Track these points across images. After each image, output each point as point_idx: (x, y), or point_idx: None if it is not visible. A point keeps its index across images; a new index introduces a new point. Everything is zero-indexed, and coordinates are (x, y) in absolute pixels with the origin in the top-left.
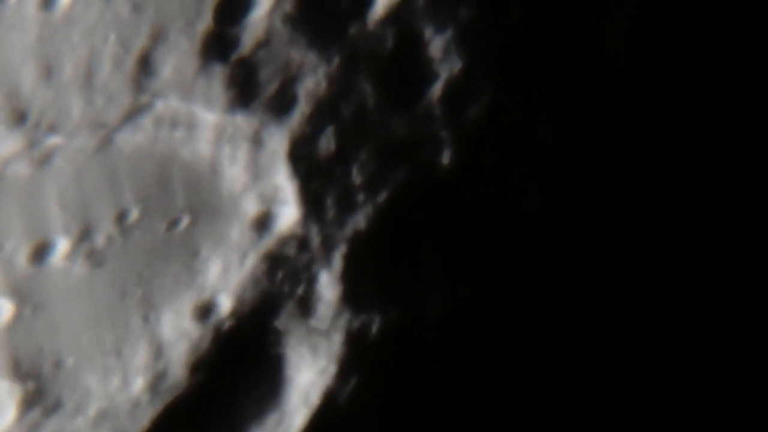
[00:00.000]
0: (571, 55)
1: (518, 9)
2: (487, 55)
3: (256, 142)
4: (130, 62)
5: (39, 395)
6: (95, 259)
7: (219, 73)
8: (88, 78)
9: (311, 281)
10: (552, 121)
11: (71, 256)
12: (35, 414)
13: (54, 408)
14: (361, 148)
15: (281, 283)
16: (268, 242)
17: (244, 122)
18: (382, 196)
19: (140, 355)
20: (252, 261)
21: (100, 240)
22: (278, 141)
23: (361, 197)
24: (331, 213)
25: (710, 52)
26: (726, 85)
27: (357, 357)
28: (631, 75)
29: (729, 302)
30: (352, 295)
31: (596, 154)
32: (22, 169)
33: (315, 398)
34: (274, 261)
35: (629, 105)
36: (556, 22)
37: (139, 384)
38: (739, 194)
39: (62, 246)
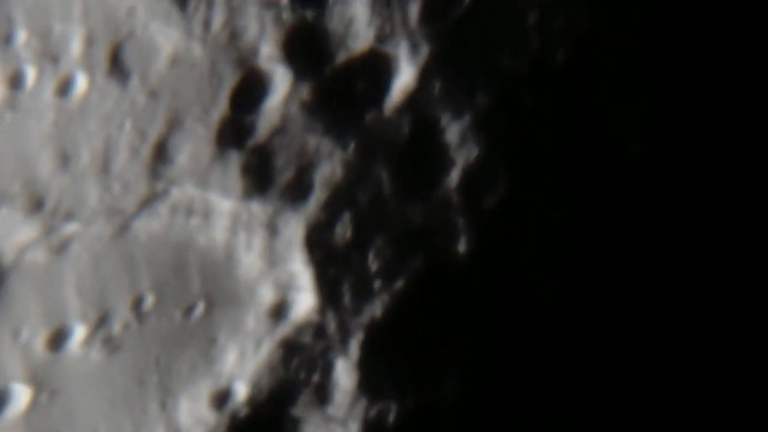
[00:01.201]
0: (585, 141)
1: (532, 96)
2: (503, 141)
3: (272, 229)
4: (146, 150)
5: None
6: (112, 345)
7: (235, 160)
8: (104, 165)
9: (328, 369)
10: (567, 207)
11: (88, 342)
12: None
13: None
14: (377, 235)
15: (297, 371)
16: (284, 329)
17: (259, 209)
18: (399, 284)
19: None
20: (268, 348)
21: (116, 326)
22: (294, 228)
23: (377, 284)
24: (347, 300)
25: (725, 133)
26: (742, 167)
27: None
28: (645, 159)
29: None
30: (369, 383)
31: (610, 239)
32: (39, 256)
33: None
34: (290, 348)
35: (643, 188)
36: (570, 108)
37: None
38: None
39: (79, 332)
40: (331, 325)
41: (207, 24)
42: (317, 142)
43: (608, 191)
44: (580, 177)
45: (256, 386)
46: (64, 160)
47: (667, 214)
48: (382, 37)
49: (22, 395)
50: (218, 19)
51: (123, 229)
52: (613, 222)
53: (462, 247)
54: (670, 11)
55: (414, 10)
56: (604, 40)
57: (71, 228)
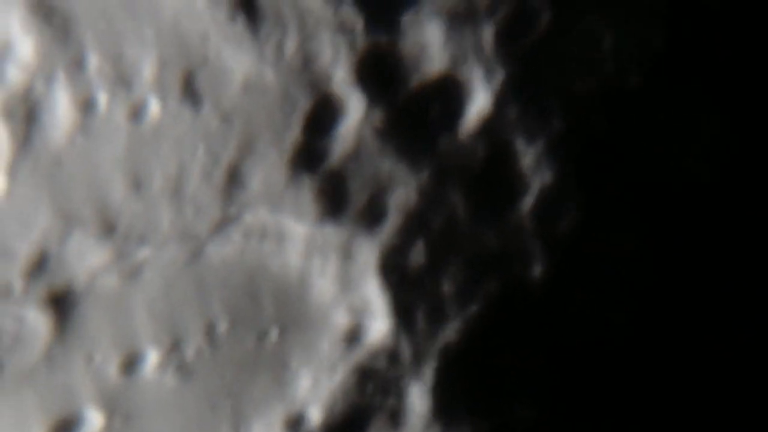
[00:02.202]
0: (658, 168)
1: (606, 120)
2: (577, 166)
3: (346, 254)
4: (219, 174)
5: None
6: (185, 370)
7: (308, 185)
8: (177, 190)
9: (402, 394)
10: (640, 232)
11: (161, 367)
12: None
13: None
14: (451, 260)
15: (371, 396)
16: (359, 355)
17: (333, 234)
18: (473, 308)
19: None
20: (342, 373)
21: (189, 352)
22: (368, 253)
23: (451, 309)
24: (421, 325)
25: None
26: None
27: None
28: (716, 188)
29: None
30: (443, 408)
31: (682, 266)
32: (111, 280)
33: None
34: (364, 373)
35: (714, 216)
36: (644, 132)
37: None
38: None
39: (152, 357)
40: (405, 350)
41: (280, 49)
42: (391, 166)
43: (679, 218)
44: (653, 206)
45: (329, 411)
46: (137, 184)
47: (739, 242)
48: (456, 62)
49: (95, 420)
50: (291, 44)
51: (196, 253)
52: (684, 249)
53: (536, 271)
54: (746, 39)
55: (488, 35)
56: (678, 64)
57: (144, 253)
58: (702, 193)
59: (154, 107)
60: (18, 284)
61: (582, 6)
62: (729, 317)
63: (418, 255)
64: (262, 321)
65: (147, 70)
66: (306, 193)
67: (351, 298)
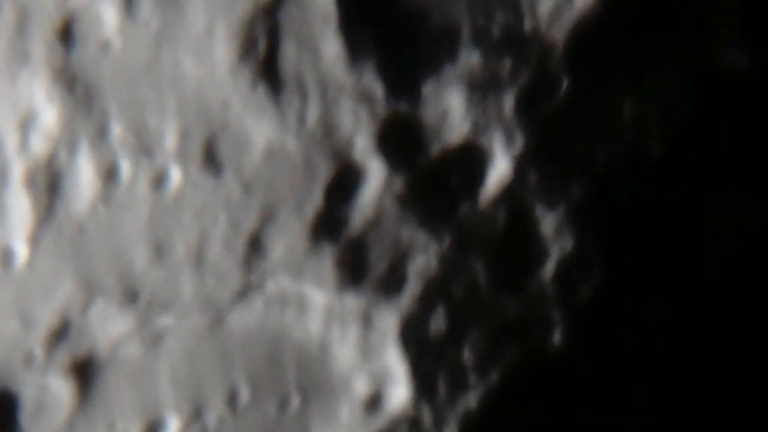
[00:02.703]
0: (681, 237)
1: (628, 188)
2: (598, 233)
3: (366, 321)
4: (241, 242)
5: None
6: None
7: (329, 253)
8: (198, 258)
9: None
10: (664, 301)
11: None
12: None
13: None
14: (472, 328)
15: None
16: (379, 422)
17: (354, 302)
18: (494, 376)
19: None
20: None
21: (211, 420)
22: (388, 321)
23: (472, 377)
24: (442, 393)
25: None
26: None
27: None
28: (741, 256)
29: None
30: None
31: (708, 336)
32: (133, 348)
33: None
34: None
35: (740, 284)
36: (666, 200)
37: None
38: None
39: (174, 425)
40: (426, 418)
41: (301, 117)
42: (412, 234)
43: (701, 286)
44: (677, 273)
45: None
46: (159, 252)
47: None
48: (477, 129)
49: None
50: (313, 113)
51: (217, 321)
52: (707, 318)
53: (557, 339)
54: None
55: (509, 102)
56: (702, 133)
57: (166, 321)
58: (726, 262)
59: (175, 176)
60: (40, 352)
61: (603, 73)
62: (753, 386)
63: (438, 322)
64: (283, 389)
65: (169, 139)
66: (327, 261)
67: (371, 366)
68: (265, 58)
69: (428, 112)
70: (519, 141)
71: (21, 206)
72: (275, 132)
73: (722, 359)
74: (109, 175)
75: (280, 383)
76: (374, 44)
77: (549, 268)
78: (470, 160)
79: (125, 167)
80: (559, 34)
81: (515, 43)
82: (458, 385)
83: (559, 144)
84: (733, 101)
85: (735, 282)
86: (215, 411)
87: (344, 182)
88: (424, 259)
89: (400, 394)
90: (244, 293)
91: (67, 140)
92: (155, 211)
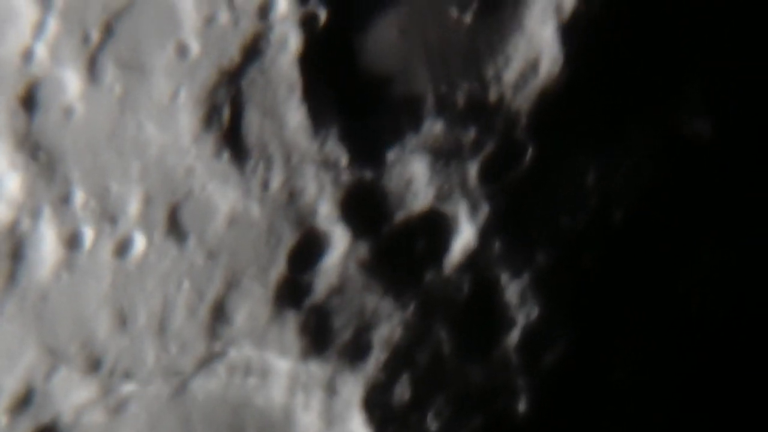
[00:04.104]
0: (647, 301)
1: (592, 254)
2: (564, 301)
3: (330, 389)
4: (204, 310)
5: None
6: None
7: (292, 320)
8: (162, 325)
9: None
10: (629, 365)
11: None
12: None
13: None
14: (436, 396)
15: None
16: None
17: (317, 369)
18: None
19: None
20: None
21: None
22: (352, 389)
23: None
24: None
25: None
26: None
27: None
28: (709, 316)
29: None
30: None
31: (675, 399)
32: (97, 416)
33: None
34: None
35: (708, 346)
36: (631, 266)
37: None
38: None
39: None
40: None
41: (265, 184)
42: (376, 301)
43: (670, 349)
44: (641, 335)
45: None
46: (122, 320)
47: (735, 370)
48: (441, 197)
49: None
50: (276, 179)
51: (181, 389)
52: (676, 381)
53: (522, 406)
54: (734, 173)
55: (473, 170)
56: (665, 198)
57: (129, 388)
58: (693, 323)
59: (139, 243)
60: (4, 419)
61: (567, 142)
62: None
63: (403, 391)
64: None
65: (132, 205)
66: (290, 329)
67: None
68: (229, 125)
69: (392, 180)
70: (483, 209)
71: None
72: (239, 199)
73: (692, 421)
74: (72, 241)
75: None
76: (338, 112)
77: (514, 336)
78: (434, 227)
79: (88, 234)
80: (524, 102)
81: (480, 112)
82: None
83: (524, 212)
84: (696, 168)
85: (703, 341)
86: None
87: (308, 249)
88: (389, 326)
89: None
90: (207, 360)
91: (30, 207)
92: (119, 278)
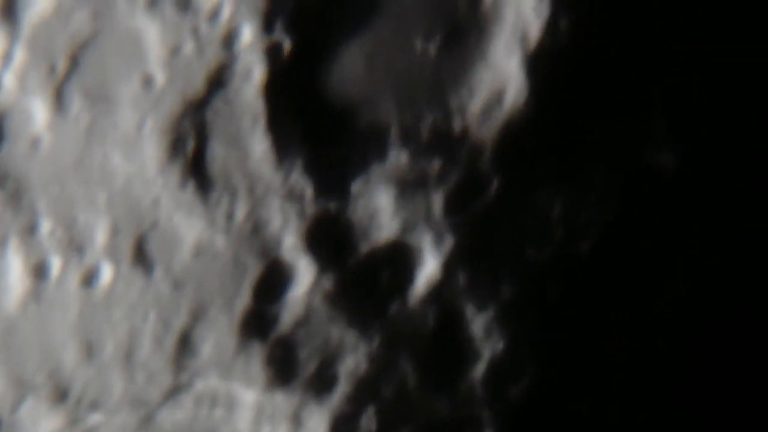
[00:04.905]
0: (613, 335)
1: (559, 286)
2: (529, 333)
3: (296, 421)
4: (170, 340)
5: None
6: None
7: (258, 352)
8: (128, 356)
9: None
10: (597, 398)
11: None
12: None
13: None
14: (402, 428)
15: None
16: None
17: (283, 401)
18: None
19: None
20: None
21: None
22: (318, 421)
23: None
24: None
25: None
26: None
27: None
28: (674, 354)
29: None
30: None
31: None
32: None
33: None
34: None
35: (673, 386)
36: (597, 301)
37: None
38: None
39: None
40: None
41: (230, 215)
42: (341, 333)
43: (634, 385)
44: (607, 370)
45: None
46: (89, 350)
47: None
48: (406, 228)
49: None
50: (241, 211)
51: (147, 420)
52: (642, 416)
53: None
54: (701, 207)
55: (438, 202)
56: (631, 230)
57: (95, 419)
58: (660, 360)
59: (106, 273)
60: None
61: (533, 173)
62: None
63: (368, 423)
64: None
65: (99, 236)
66: (256, 360)
67: None
68: (193, 155)
69: (357, 211)
70: (448, 241)
71: None
72: (204, 230)
73: None
74: (39, 271)
75: None
76: (302, 142)
77: (479, 369)
78: (399, 259)
79: (55, 264)
80: (488, 133)
81: (444, 143)
82: None
83: (489, 244)
84: (662, 199)
85: (670, 374)
86: None
87: (273, 280)
88: (354, 358)
89: None
90: (173, 391)
91: None
92: (85, 309)
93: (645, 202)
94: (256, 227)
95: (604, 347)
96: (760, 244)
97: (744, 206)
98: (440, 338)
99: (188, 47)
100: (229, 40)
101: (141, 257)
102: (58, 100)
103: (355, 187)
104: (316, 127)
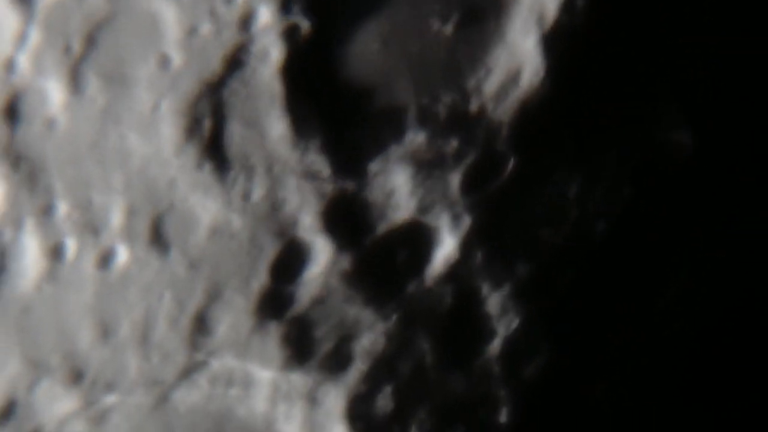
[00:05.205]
0: (626, 313)
1: (574, 266)
2: (544, 312)
3: (312, 400)
4: (186, 321)
5: None
6: None
7: (274, 331)
8: (144, 336)
9: None
10: (610, 378)
11: None
12: None
13: None
14: (419, 407)
15: None
16: None
17: (299, 380)
18: None
19: None
20: None
21: None
22: (334, 399)
23: None
24: None
25: None
26: None
27: None
28: (689, 333)
29: None
30: None
31: (654, 412)
32: (79, 427)
33: None
34: None
35: (684, 370)
36: (610, 282)
37: None
38: None
39: None
40: None
41: (247, 195)
42: (358, 312)
43: (650, 363)
44: (623, 349)
45: None
46: (104, 331)
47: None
48: (423, 208)
49: None
50: (258, 191)
51: (162, 399)
52: (654, 397)
53: (503, 417)
54: (713, 191)
55: (455, 181)
56: (646, 210)
57: (111, 399)
58: (675, 338)
59: (121, 254)
60: None
61: (548, 153)
62: None
63: (385, 401)
64: None
65: (115, 217)
66: (272, 340)
67: None
68: (210, 136)
69: (374, 191)
70: (465, 220)
71: None
72: (221, 210)
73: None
74: (55, 253)
75: None
76: (320, 123)
77: (495, 346)
78: (416, 238)
79: (71, 245)
80: (505, 114)
81: (461, 123)
82: None
83: (505, 223)
84: (678, 179)
85: (683, 355)
86: None
87: (290, 260)
88: (371, 337)
89: None
90: (189, 371)
91: (12, 218)
92: (101, 290)
93: (660, 181)
94: (273, 207)
95: (617, 327)
96: (766, 237)
97: (750, 199)
98: (456, 316)
99: (205, 28)
100: (247, 21)
101: (157, 238)
102: (74, 81)
103: (373, 167)
104: (333, 107)
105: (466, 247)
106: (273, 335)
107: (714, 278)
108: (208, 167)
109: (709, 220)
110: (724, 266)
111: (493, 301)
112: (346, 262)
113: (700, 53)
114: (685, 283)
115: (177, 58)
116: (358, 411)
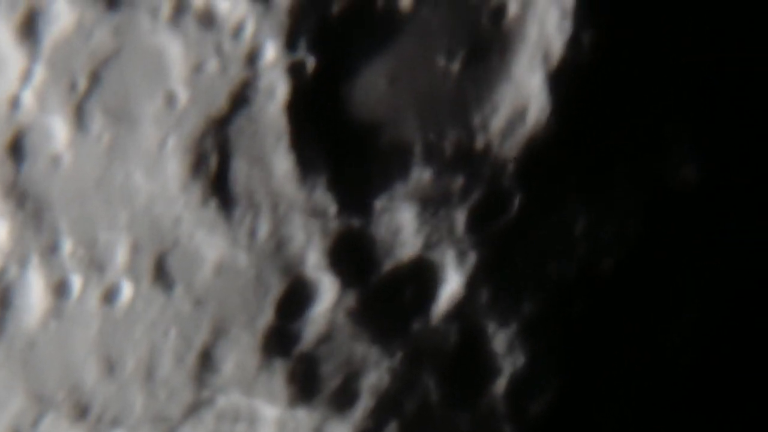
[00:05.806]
0: (634, 352)
1: (580, 304)
2: (551, 350)
3: None
4: (192, 357)
5: None
6: None
7: (281, 368)
8: (149, 373)
9: None
10: (618, 415)
11: None
12: None
13: None
14: None
15: None
16: None
17: (306, 417)
18: None
19: None
20: None
21: None
22: None
23: None
24: None
25: None
26: None
27: None
28: (696, 367)
29: None
30: None
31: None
32: None
33: None
34: None
35: (695, 398)
36: (619, 318)
37: None
38: None
39: None
40: None
41: (253, 233)
42: (364, 350)
43: (658, 400)
44: (630, 386)
45: None
46: (110, 367)
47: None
48: (429, 246)
49: None
50: (264, 228)
51: None
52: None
53: None
54: (721, 225)
55: (461, 219)
56: (653, 247)
57: None
58: (684, 375)
59: (126, 291)
60: None
61: (555, 190)
62: None
63: None
64: None
65: (120, 254)
66: (278, 377)
67: None
68: (216, 173)
69: (380, 228)
70: (471, 258)
71: None
72: (226, 247)
73: None
74: (60, 289)
75: None
76: (326, 160)
77: (501, 385)
78: (422, 276)
79: (76, 282)
80: (511, 150)
81: (467, 160)
82: None
83: (512, 260)
84: (684, 215)
85: (692, 392)
86: None
87: (296, 297)
88: (377, 374)
89: None
90: (195, 408)
91: (18, 255)
92: (106, 326)
93: (667, 217)
94: (279, 245)
95: (625, 364)
96: None
97: (760, 231)
98: (462, 354)
99: (211, 65)
100: (253, 57)
101: (162, 275)
102: (79, 118)
103: (379, 204)
104: (339, 144)
105: (472, 284)
106: (279, 372)
107: (724, 311)
108: (213, 204)
109: (718, 253)
110: (734, 299)
111: (500, 338)
112: (352, 300)
113: (708, 89)
114: (694, 317)
115: (183, 95)
116: None
